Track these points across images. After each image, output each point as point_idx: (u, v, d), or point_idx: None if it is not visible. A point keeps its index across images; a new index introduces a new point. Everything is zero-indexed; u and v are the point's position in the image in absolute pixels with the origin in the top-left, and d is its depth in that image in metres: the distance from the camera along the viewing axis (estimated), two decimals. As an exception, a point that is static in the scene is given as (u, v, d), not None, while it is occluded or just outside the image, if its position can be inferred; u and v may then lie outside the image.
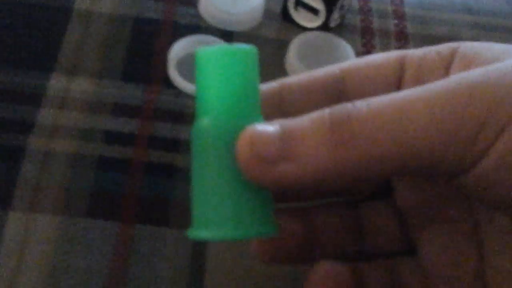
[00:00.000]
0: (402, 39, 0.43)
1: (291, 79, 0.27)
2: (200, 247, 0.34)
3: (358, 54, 0.42)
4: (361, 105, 0.21)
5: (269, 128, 0.22)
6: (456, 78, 0.21)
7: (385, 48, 0.42)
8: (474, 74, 0.21)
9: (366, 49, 0.42)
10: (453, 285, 0.26)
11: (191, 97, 0.39)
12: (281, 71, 0.41)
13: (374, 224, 0.29)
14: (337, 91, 0.27)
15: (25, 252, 0.32)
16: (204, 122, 0.23)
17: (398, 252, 0.29)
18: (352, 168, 0.21)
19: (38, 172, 0.35)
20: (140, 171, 0.36)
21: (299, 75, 0.27)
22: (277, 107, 0.26)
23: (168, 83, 0.39)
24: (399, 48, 0.42)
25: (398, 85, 0.27)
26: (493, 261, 0.25)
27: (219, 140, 0.23)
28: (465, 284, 0.26)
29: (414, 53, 0.27)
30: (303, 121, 0.22)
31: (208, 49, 0.24)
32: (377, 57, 0.27)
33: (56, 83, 0.38)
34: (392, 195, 0.29)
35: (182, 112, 0.38)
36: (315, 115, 0.22)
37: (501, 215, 0.24)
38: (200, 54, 0.24)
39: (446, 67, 0.26)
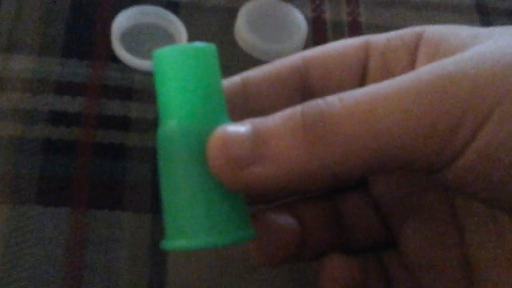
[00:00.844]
0: (352, 3, 0.42)
1: (253, 73, 0.26)
2: (159, 230, 0.32)
3: (309, 19, 0.41)
4: (333, 102, 0.21)
5: (240, 128, 0.21)
6: (429, 70, 0.21)
7: (336, 13, 0.41)
8: (447, 65, 0.20)
9: (316, 14, 0.41)
10: (438, 274, 0.26)
11: (138, 72, 0.37)
12: (231, 41, 0.39)
13: (352, 217, 0.28)
14: (302, 82, 0.26)
15: (-27, 246, 0.30)
16: (169, 126, 0.22)
17: (380, 244, 0.28)
18: (327, 167, 0.20)
19: (-20, 159, 0.33)
20: (89, 152, 0.34)
21: (260, 67, 0.26)
22: (241, 104, 0.25)
23: (113, 57, 0.37)
24: (350, 12, 0.41)
25: (362, 74, 0.26)
26: (475, 247, 0.25)
27: (187, 143, 0.22)
28: (449, 272, 0.26)
29: (377, 40, 0.26)
30: (275, 120, 0.21)
31: (165, 49, 0.23)
32: (340, 45, 0.26)
33: (-8, 62, 0.36)
34: (367, 186, 0.28)
35: (130, 88, 0.36)
36: (286, 113, 0.21)
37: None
38: (157, 55, 0.23)
39: (411, 54, 0.25)
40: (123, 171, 0.34)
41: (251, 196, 0.26)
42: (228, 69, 0.38)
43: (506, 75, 0.20)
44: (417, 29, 0.26)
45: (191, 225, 0.22)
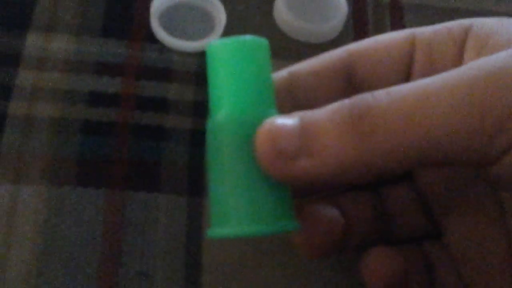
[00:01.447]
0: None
1: (300, 67, 0.26)
2: (196, 212, 0.33)
3: (349, 0, 0.40)
4: (380, 96, 0.21)
5: (288, 121, 0.21)
6: (478, 66, 0.20)
7: (377, -7, 0.40)
8: (496, 61, 0.20)
9: (357, -6, 0.40)
10: (483, 268, 0.26)
11: (176, 53, 0.37)
12: (269, 21, 0.39)
13: (396, 208, 0.28)
14: (348, 75, 0.26)
15: (13, 226, 0.31)
16: (219, 117, 0.23)
17: (423, 234, 0.28)
18: (374, 162, 0.20)
19: (20, 140, 0.33)
20: (127, 134, 0.34)
21: (307, 61, 0.26)
22: (289, 97, 0.25)
23: (151, 38, 0.37)
24: (392, -7, 0.41)
25: (408, 68, 0.26)
26: None
27: (236, 134, 0.22)
28: (495, 266, 0.26)
29: (423, 32, 0.26)
30: (322, 114, 0.21)
31: (219, 42, 0.23)
32: (386, 38, 0.26)
33: (33, 42, 0.36)
34: (413, 179, 0.28)
35: (168, 69, 0.36)
36: (334, 107, 0.21)
37: None
38: (211, 47, 0.23)
39: (458, 47, 0.25)
40: (160, 153, 0.34)
41: (297, 187, 0.26)
42: (266, 50, 0.38)
43: None
44: (465, 22, 0.25)
45: (235, 213, 0.22)
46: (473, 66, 0.21)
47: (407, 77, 0.26)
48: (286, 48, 0.38)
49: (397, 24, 0.40)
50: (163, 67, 0.36)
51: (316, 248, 0.26)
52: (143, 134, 0.34)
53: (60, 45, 0.36)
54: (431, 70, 0.26)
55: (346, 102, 0.21)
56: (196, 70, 0.37)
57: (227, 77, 0.23)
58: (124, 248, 0.31)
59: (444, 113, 0.20)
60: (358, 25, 0.40)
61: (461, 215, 0.26)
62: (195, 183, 0.33)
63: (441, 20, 0.41)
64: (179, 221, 0.32)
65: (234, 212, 0.22)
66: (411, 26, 0.40)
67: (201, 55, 0.37)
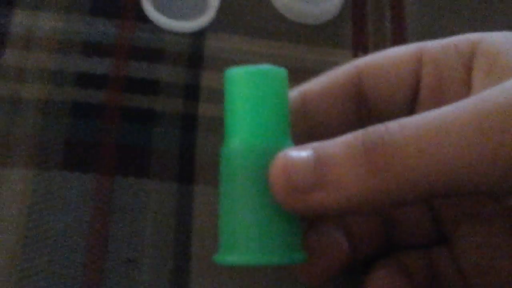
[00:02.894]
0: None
1: (310, 86, 0.26)
2: (186, 199, 0.32)
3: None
4: (394, 129, 0.21)
5: (302, 154, 0.22)
6: (492, 96, 0.21)
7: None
8: (509, 93, 0.20)
9: (355, -26, 0.39)
10: (492, 281, 0.26)
11: (168, 33, 0.36)
12: (266, 1, 0.38)
13: (404, 216, 0.28)
14: (356, 92, 0.26)
15: (-2, 211, 0.30)
16: (234, 143, 0.23)
17: (429, 243, 0.28)
18: (388, 195, 0.21)
19: (6, 122, 0.32)
20: (117, 117, 0.33)
21: (316, 79, 0.27)
22: (301, 118, 0.26)
23: (142, 17, 0.36)
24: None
25: (416, 85, 0.26)
26: None
27: (250, 162, 0.23)
28: (505, 279, 0.26)
29: (431, 48, 0.26)
30: (336, 147, 0.21)
31: (238, 70, 0.24)
32: (393, 53, 0.26)
33: (19, 20, 0.35)
34: None
35: (160, 50, 0.35)
36: (348, 140, 0.21)
37: None
38: (229, 74, 0.24)
39: (466, 65, 0.25)
40: (150, 137, 0.33)
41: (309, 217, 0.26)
42: (263, 31, 0.37)
43: None
44: (472, 37, 0.25)
45: (245, 242, 0.23)
46: (484, 99, 0.21)
47: (414, 95, 0.27)
48: (283, 30, 0.37)
49: (396, 3, 0.39)
50: (155, 48, 0.35)
51: (318, 276, 0.26)
52: (133, 117, 0.33)
53: (48, 24, 0.35)
54: (439, 88, 0.26)
55: (359, 134, 0.22)
56: (189, 51, 0.35)
57: (244, 105, 0.23)
58: (111, 234, 0.31)
59: (456, 149, 0.20)
60: (357, 5, 0.38)
61: (471, 227, 0.26)
62: (186, 169, 0.32)
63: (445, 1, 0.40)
64: (168, 208, 0.31)
65: (244, 240, 0.23)
66: (411, 6, 0.39)
67: (194, 36, 0.36)
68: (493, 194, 0.21)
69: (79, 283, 0.29)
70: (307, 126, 0.26)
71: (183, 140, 0.33)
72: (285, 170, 0.22)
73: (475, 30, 0.38)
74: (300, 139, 0.26)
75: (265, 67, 0.24)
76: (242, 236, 0.23)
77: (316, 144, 0.22)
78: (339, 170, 0.21)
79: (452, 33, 0.38)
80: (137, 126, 0.33)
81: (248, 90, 0.23)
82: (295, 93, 0.27)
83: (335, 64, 0.36)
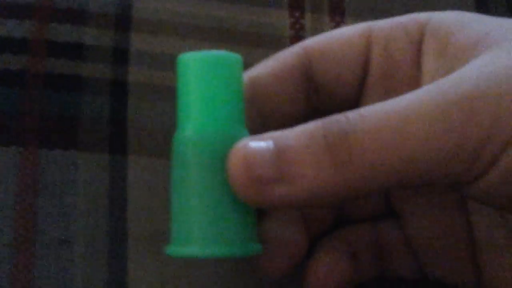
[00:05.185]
0: None
1: (259, 71, 0.26)
2: (119, 172, 0.30)
3: None
4: (355, 119, 0.21)
5: (262, 145, 0.21)
6: (453, 85, 0.21)
7: None
8: (470, 82, 0.20)
9: None
10: (444, 256, 0.26)
11: (92, -8, 0.33)
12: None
13: None
14: (306, 74, 0.26)
15: None
16: (187, 131, 0.23)
17: (377, 216, 0.28)
18: (352, 187, 0.20)
19: None
20: (39, 84, 0.31)
21: (265, 63, 0.26)
22: (252, 104, 0.25)
23: (63, -26, 0.33)
24: None
25: (365, 65, 0.26)
26: (482, 232, 0.25)
27: (204, 151, 0.22)
28: (456, 254, 0.26)
29: (380, 28, 0.26)
30: (296, 137, 0.21)
31: (191, 55, 0.23)
32: (341, 34, 0.26)
33: None
34: None
35: (83, 11, 0.33)
36: (308, 130, 0.21)
37: None
38: (182, 59, 0.23)
39: (416, 46, 0.25)
40: (77, 106, 0.31)
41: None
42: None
43: None
44: (420, 18, 0.25)
45: (199, 233, 0.22)
46: (445, 87, 0.21)
47: (363, 76, 0.26)
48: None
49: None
50: (77, 8, 0.33)
51: (277, 269, 0.26)
52: (57, 85, 0.31)
53: (-43, -19, 0.32)
54: (388, 69, 0.26)
55: (319, 124, 0.21)
56: (115, 12, 0.33)
57: (197, 92, 0.23)
58: (40, 213, 0.28)
59: (419, 141, 0.20)
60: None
61: (421, 200, 0.26)
62: (117, 139, 0.30)
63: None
64: (100, 182, 0.29)
65: (197, 231, 0.22)
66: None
67: (120, -5, 0.33)
68: (455, 185, 0.21)
69: (7, 267, 0.27)
70: (257, 112, 0.26)
71: (113, 108, 0.31)
72: (245, 162, 0.21)
73: (419, 3, 0.37)
74: (251, 126, 0.26)
75: (219, 52, 0.23)
76: (195, 227, 0.22)
77: (275, 134, 0.22)
78: (301, 163, 0.21)
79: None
80: (62, 94, 0.31)
81: (202, 76, 0.23)
82: (244, 78, 0.26)
83: (271, 25, 0.35)
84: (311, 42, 0.26)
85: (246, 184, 0.21)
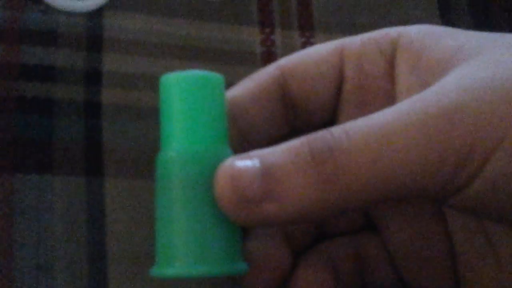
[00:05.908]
0: None
1: (236, 92, 0.26)
2: (96, 194, 0.30)
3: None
4: (340, 137, 0.21)
5: (248, 164, 0.21)
6: (434, 99, 0.21)
7: None
8: (450, 95, 0.21)
9: None
10: (424, 266, 0.26)
11: (63, 13, 0.33)
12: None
13: None
14: (282, 92, 0.26)
15: None
16: (171, 151, 0.22)
17: (357, 229, 0.27)
18: (338, 204, 0.21)
19: None
20: (11, 108, 0.30)
21: (242, 83, 0.26)
22: (230, 123, 0.25)
23: (32, -4, 0.33)
24: None
25: (339, 83, 0.26)
26: (461, 241, 0.25)
27: (187, 171, 0.22)
28: (436, 264, 0.26)
29: (352, 45, 0.26)
30: (282, 154, 0.21)
31: (173, 75, 0.23)
32: (315, 52, 0.27)
33: None
34: None
35: (54, 33, 0.32)
36: (294, 148, 0.21)
37: None
38: (165, 80, 0.23)
39: (388, 61, 0.26)
40: (50, 129, 0.30)
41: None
42: (165, 9, 0.35)
43: (506, 112, 0.20)
44: (392, 33, 0.26)
45: (184, 253, 0.22)
46: (426, 101, 0.21)
47: (338, 92, 0.26)
48: (185, 6, 0.35)
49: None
50: (48, 30, 0.32)
51: (263, 287, 0.26)
52: (30, 108, 0.30)
53: None
54: (361, 84, 0.26)
55: (304, 142, 0.21)
56: (86, 33, 0.33)
57: (180, 112, 0.23)
58: (17, 239, 0.28)
59: (402, 155, 0.20)
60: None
61: (398, 211, 0.26)
62: (93, 162, 0.30)
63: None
64: (78, 205, 0.29)
65: (182, 251, 0.22)
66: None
67: (91, 16, 0.33)
68: (437, 197, 0.22)
69: (-16, 296, 0.27)
70: (238, 131, 0.26)
71: (87, 130, 0.31)
72: (232, 181, 0.21)
73: (385, 16, 0.38)
74: (233, 145, 0.25)
75: (201, 72, 0.23)
76: (180, 247, 0.22)
77: (261, 152, 0.22)
78: (287, 180, 0.21)
79: (358, 10, 0.38)
80: (35, 118, 0.30)
81: (185, 96, 0.23)
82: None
83: (242, 42, 0.35)
84: (286, 61, 0.27)
85: (234, 204, 0.21)
